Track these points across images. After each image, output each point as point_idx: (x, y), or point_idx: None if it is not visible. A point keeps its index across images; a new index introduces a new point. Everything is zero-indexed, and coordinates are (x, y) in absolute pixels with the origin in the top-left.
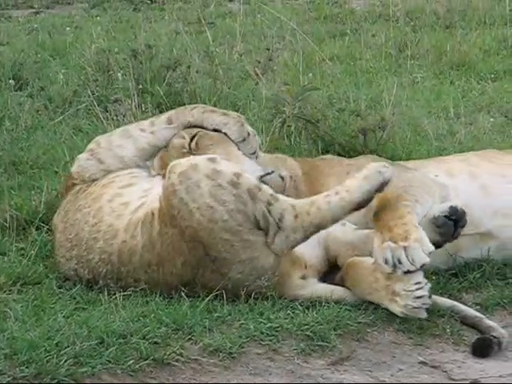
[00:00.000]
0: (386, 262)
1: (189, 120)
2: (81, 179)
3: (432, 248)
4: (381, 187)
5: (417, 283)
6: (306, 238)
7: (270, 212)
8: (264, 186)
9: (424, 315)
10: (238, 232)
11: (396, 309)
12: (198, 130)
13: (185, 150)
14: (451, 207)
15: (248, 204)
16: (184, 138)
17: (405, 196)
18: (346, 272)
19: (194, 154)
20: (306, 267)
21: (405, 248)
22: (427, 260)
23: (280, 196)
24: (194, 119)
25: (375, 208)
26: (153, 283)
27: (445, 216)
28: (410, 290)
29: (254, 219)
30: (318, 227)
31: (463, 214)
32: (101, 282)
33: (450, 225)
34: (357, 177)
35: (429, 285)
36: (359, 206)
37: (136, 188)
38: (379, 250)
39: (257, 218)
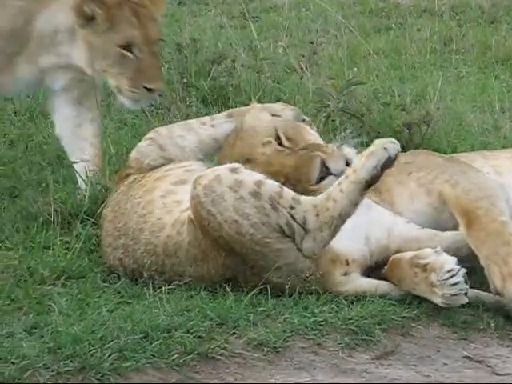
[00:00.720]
0: None
1: (245, 112)
2: (138, 166)
3: None
4: (387, 163)
5: (449, 271)
6: (334, 232)
7: (293, 217)
8: (285, 190)
9: (465, 300)
10: (266, 243)
11: (437, 299)
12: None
13: (284, 150)
14: None
15: (270, 215)
16: (270, 142)
17: (493, 209)
18: (390, 269)
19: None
20: (348, 263)
21: None
22: (465, 286)
23: (301, 197)
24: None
25: (463, 221)
26: (198, 277)
27: None
28: (444, 279)
29: (279, 228)
30: (342, 218)
31: None
32: (145, 273)
33: None
34: (363, 154)
35: (463, 270)
36: (369, 184)
37: (189, 186)
38: (509, 301)
39: (282, 226)
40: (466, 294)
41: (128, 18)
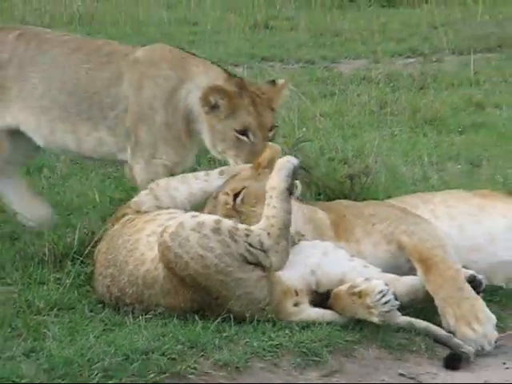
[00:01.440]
0: (469, 351)
1: (237, 171)
2: (136, 210)
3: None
4: (295, 171)
5: (380, 292)
6: (287, 239)
7: (251, 245)
8: (238, 224)
9: (398, 315)
10: (229, 272)
11: (374, 319)
12: (244, 186)
13: (228, 206)
14: (470, 276)
15: (231, 246)
16: (228, 194)
17: (447, 257)
18: (333, 301)
19: (238, 211)
20: (297, 294)
21: (483, 335)
22: (396, 303)
23: (250, 227)
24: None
25: (421, 267)
26: (171, 307)
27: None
28: (377, 300)
29: (241, 256)
30: (286, 226)
31: (480, 284)
32: (127, 300)
33: None
34: (273, 173)
35: (391, 289)
36: (290, 192)
37: None
38: (461, 338)
39: (243, 254)
40: (398, 309)
41: (246, 107)
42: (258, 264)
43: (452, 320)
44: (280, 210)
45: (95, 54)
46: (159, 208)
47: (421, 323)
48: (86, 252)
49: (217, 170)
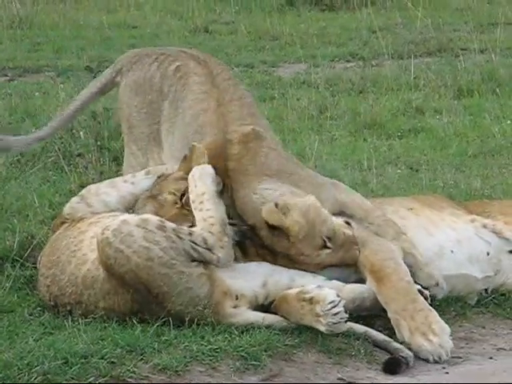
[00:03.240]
0: (427, 360)
1: (163, 171)
2: (71, 219)
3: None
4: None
5: (331, 302)
6: (227, 234)
7: (195, 243)
8: (179, 225)
9: (345, 328)
10: (172, 265)
11: (321, 327)
12: (186, 186)
13: (178, 206)
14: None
15: (177, 242)
16: (175, 194)
17: (399, 268)
18: (278, 304)
19: (187, 209)
20: (237, 298)
21: (440, 345)
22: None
23: (193, 228)
24: (165, 170)
25: (372, 278)
26: (109, 309)
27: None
28: (327, 310)
29: (186, 253)
30: (225, 224)
31: (426, 298)
32: (66, 300)
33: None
34: (194, 181)
35: (343, 301)
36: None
37: None
38: (417, 349)
39: (188, 251)
40: (346, 321)
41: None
42: (203, 262)
43: (406, 332)
44: (215, 210)
45: None
46: (94, 214)
47: (360, 328)
48: (25, 255)
49: (143, 171)
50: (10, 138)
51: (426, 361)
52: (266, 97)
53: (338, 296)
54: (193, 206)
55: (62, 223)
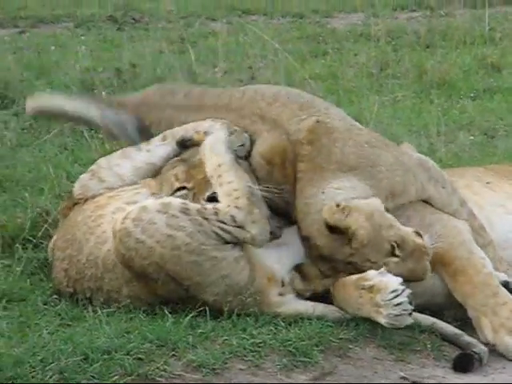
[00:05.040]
0: None
1: (181, 134)
2: (84, 199)
3: None
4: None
5: (393, 291)
6: (259, 206)
7: (223, 222)
8: (204, 204)
9: (409, 321)
10: (203, 251)
11: (381, 320)
12: None
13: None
14: (503, 282)
15: (204, 224)
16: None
17: (473, 258)
18: (335, 292)
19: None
20: (283, 284)
21: None
22: (409, 307)
23: (218, 204)
24: (184, 132)
25: (446, 272)
26: (134, 297)
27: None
28: (388, 299)
29: (216, 235)
30: (251, 192)
31: None
32: (85, 284)
33: None
34: (207, 155)
35: (407, 291)
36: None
37: None
38: (505, 350)
39: (217, 233)
40: (410, 314)
41: None
42: (236, 243)
43: (489, 332)
44: (238, 181)
45: None
46: (108, 189)
47: (426, 319)
48: (39, 235)
49: (158, 136)
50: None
51: None
52: (317, 52)
53: (403, 284)
54: (212, 182)
55: (73, 205)
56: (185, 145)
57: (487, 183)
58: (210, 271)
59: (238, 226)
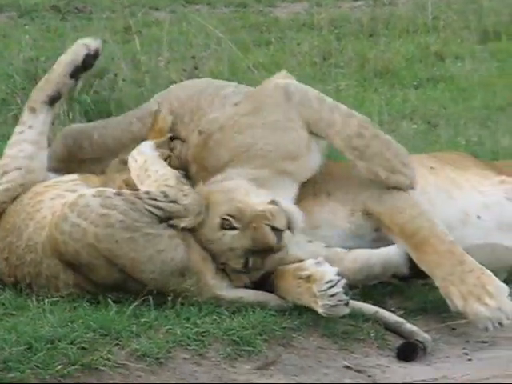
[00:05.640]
0: (486, 328)
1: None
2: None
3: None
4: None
5: (328, 281)
6: (186, 183)
7: (155, 199)
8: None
9: (345, 311)
10: (137, 228)
11: (319, 309)
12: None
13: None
14: None
15: (136, 202)
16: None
17: (433, 228)
18: (276, 281)
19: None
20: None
21: (499, 308)
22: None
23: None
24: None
25: (408, 245)
26: (72, 284)
27: None
28: (323, 290)
29: (149, 212)
30: (177, 175)
31: None
32: (25, 269)
33: None
34: (134, 154)
35: (343, 281)
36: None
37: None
38: (474, 318)
39: (150, 210)
40: (346, 304)
41: None
42: (170, 218)
43: (459, 300)
44: (164, 169)
45: None
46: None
47: (369, 308)
48: None
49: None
50: None
51: (485, 330)
52: (261, 41)
53: (339, 274)
54: (138, 181)
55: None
56: None
57: (431, 168)
58: (144, 247)
59: (172, 201)
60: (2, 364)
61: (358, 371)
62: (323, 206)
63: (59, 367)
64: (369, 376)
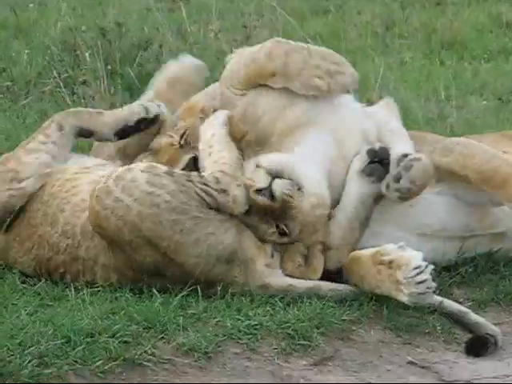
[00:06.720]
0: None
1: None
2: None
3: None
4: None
5: (416, 268)
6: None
7: (207, 184)
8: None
9: (433, 300)
10: (184, 210)
11: (403, 298)
12: (186, 128)
13: (175, 146)
14: (369, 151)
15: (187, 184)
16: (172, 136)
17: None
18: (349, 268)
19: (184, 150)
20: (272, 256)
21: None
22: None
23: (204, 173)
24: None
25: (485, 186)
26: (110, 267)
27: (369, 163)
28: (410, 277)
29: (198, 196)
30: (238, 161)
31: (384, 150)
32: (60, 258)
33: (378, 168)
34: (205, 127)
35: (430, 266)
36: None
37: None
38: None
39: (200, 195)
40: (434, 292)
41: None
42: (218, 209)
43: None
44: (227, 150)
45: None
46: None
47: (453, 305)
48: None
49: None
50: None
51: None
52: (318, 10)
53: (425, 260)
54: (202, 155)
55: None
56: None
57: (504, 152)
58: (191, 229)
59: (222, 190)
60: (38, 359)
61: (423, 367)
62: None
63: (99, 362)
64: (435, 372)
